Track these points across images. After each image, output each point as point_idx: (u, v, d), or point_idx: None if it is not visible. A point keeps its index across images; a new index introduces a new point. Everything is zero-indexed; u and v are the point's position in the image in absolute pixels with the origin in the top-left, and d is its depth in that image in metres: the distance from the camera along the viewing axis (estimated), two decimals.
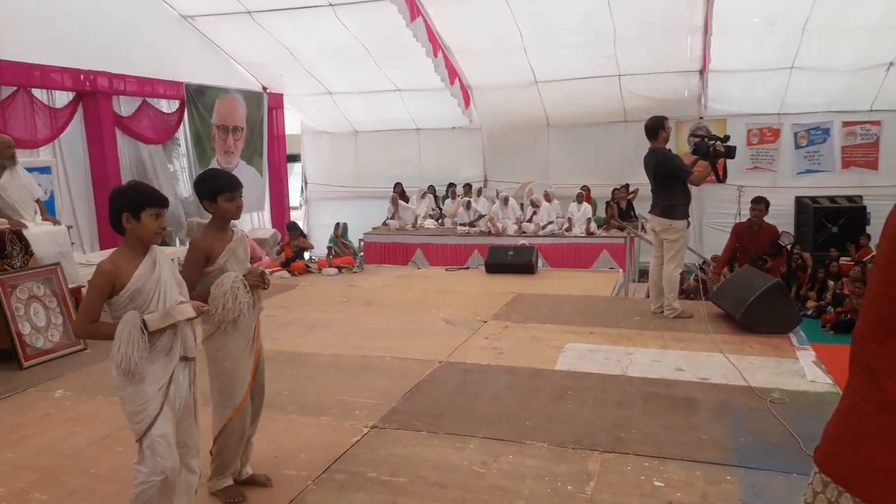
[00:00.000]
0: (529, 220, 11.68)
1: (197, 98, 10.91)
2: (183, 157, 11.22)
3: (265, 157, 12.85)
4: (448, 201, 13.08)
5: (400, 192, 13.10)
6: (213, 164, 11.17)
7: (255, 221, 12.94)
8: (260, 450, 3.43)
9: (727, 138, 6.10)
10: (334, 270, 9.07)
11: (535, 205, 11.81)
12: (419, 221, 12.51)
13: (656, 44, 10.64)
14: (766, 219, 6.85)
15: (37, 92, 8.46)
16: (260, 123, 12.57)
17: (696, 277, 8.05)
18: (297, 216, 14.01)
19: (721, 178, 6.22)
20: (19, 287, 5.47)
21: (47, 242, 6.01)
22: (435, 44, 10.73)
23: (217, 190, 2.98)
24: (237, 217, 3.10)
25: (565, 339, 5.55)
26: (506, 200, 11.95)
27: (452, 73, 11.63)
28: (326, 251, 9.68)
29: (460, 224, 12.03)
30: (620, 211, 11.67)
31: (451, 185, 13.24)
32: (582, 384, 4.53)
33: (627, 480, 3.23)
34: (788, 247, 7.25)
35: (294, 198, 14.83)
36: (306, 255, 9.88)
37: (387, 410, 4.15)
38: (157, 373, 2.55)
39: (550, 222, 11.46)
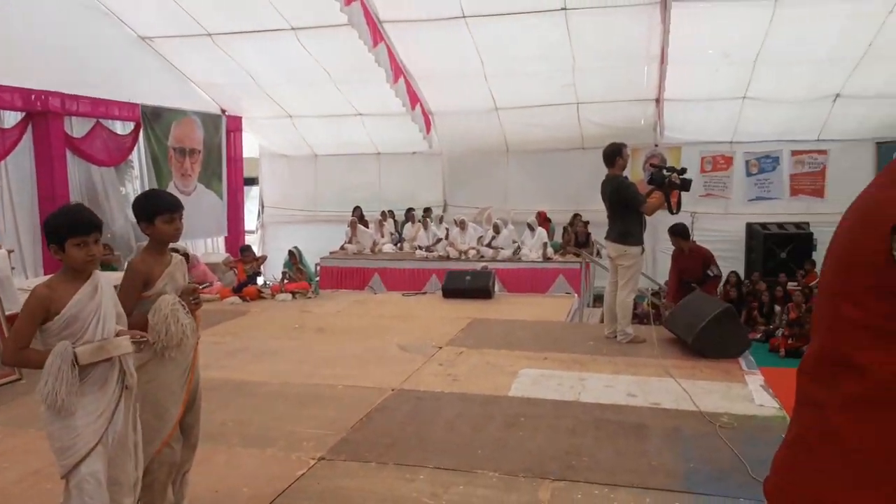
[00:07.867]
0: (489, 245, 11.66)
1: (153, 120, 10.74)
2: (136, 180, 10.98)
3: (224, 180, 12.68)
4: (408, 225, 13.04)
5: (359, 216, 13.02)
6: (171, 188, 10.96)
7: (209, 246, 12.69)
8: (201, 483, 3.30)
9: (684, 171, 6.08)
10: (288, 296, 8.91)
11: (496, 230, 11.81)
12: (379, 246, 12.41)
13: (614, 73, 10.85)
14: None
15: None
16: (218, 146, 12.42)
17: (649, 303, 8.13)
18: (252, 240, 13.79)
19: (674, 210, 6.26)
20: None
21: None
22: (396, 69, 10.76)
23: (155, 211, 2.84)
24: (175, 240, 2.97)
25: (519, 365, 5.53)
26: (463, 225, 11.94)
27: (413, 99, 11.67)
28: (281, 276, 9.53)
29: (419, 248, 11.98)
30: (577, 237, 11.77)
31: (411, 209, 13.22)
32: (535, 411, 4.50)
33: None
34: (711, 273, 7.44)
35: (249, 222, 14.63)
36: (260, 280, 9.70)
37: (336, 441, 4.04)
38: (88, 406, 2.41)
39: (502, 248, 11.48)
